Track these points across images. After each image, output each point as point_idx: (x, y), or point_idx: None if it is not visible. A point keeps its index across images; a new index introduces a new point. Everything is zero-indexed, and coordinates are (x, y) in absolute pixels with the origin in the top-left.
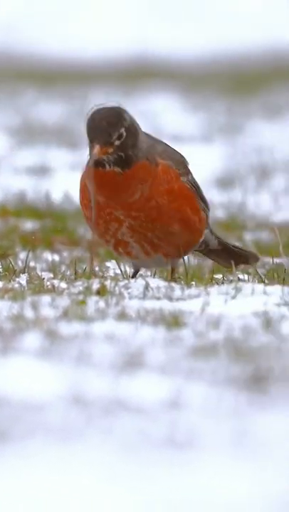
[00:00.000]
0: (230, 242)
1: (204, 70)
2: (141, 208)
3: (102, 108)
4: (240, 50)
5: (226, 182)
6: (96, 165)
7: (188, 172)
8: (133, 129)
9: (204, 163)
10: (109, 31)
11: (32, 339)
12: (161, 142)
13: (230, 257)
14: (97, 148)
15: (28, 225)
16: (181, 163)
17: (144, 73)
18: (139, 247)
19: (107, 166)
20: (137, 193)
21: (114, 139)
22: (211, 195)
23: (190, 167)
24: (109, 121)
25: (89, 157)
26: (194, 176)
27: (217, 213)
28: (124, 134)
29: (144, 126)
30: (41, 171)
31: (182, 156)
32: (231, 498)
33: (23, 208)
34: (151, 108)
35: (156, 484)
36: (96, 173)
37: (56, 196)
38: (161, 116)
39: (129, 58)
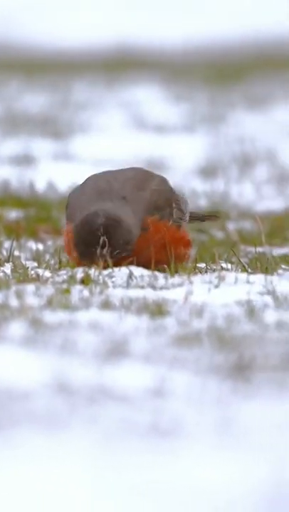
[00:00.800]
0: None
1: (186, 60)
2: (138, 261)
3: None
4: (223, 39)
5: (208, 171)
6: None
7: (172, 202)
8: (124, 229)
9: (187, 153)
10: (91, 21)
11: (16, 328)
12: (144, 186)
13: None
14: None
15: (12, 214)
16: (166, 200)
17: (126, 63)
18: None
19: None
20: (141, 259)
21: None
22: (194, 184)
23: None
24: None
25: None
26: (174, 178)
27: (200, 202)
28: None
29: (127, 117)
30: (25, 160)
31: (165, 187)
32: (215, 486)
33: (7, 197)
34: (134, 98)
35: (140, 472)
36: None
37: (40, 185)
38: (143, 106)
39: (111, 48)
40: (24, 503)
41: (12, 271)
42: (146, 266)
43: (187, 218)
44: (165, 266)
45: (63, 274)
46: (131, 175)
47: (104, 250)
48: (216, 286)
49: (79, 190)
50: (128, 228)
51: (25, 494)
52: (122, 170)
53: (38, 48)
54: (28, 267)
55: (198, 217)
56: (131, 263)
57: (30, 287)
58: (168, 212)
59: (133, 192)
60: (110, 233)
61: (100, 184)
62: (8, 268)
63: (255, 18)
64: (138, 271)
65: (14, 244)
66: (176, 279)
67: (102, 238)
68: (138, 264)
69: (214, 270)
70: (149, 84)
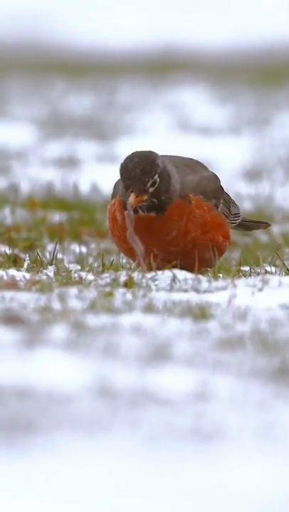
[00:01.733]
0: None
1: (232, 62)
2: (177, 244)
3: (136, 155)
4: (269, 41)
5: (253, 174)
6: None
7: (220, 196)
8: (166, 174)
9: (232, 156)
10: (137, 23)
11: (59, 331)
12: (195, 171)
13: (244, 228)
14: (132, 197)
15: (56, 216)
16: (214, 192)
17: (172, 65)
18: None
19: (141, 212)
20: (173, 232)
21: (149, 187)
22: (239, 187)
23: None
24: (143, 169)
25: (125, 201)
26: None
27: (245, 205)
28: (158, 180)
29: (172, 119)
30: (69, 162)
31: (216, 181)
32: (257, 490)
33: (51, 199)
34: (180, 100)
35: (183, 476)
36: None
37: (84, 188)
38: (189, 108)
39: (157, 50)
40: (67, 505)
41: (55, 274)
42: (186, 250)
43: (234, 220)
44: (208, 269)
45: (106, 277)
46: (187, 160)
47: (148, 184)
48: (260, 290)
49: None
50: (172, 180)
51: (68, 495)
52: (179, 156)
53: (83, 49)
54: (71, 270)
55: (246, 226)
56: (174, 266)
57: (73, 290)
58: (214, 203)
59: (185, 170)
60: (155, 171)
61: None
62: (51, 271)
63: None
64: (181, 274)
65: (57, 247)
66: (220, 283)
67: (139, 168)
68: (171, 243)
69: (258, 273)
70: (194, 86)
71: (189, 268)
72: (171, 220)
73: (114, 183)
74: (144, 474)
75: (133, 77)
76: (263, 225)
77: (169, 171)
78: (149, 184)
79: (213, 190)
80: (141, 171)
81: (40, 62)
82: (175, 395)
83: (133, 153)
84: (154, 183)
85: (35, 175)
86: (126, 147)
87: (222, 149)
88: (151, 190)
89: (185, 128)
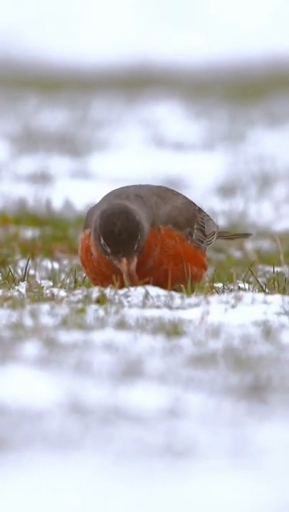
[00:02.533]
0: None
1: (206, 78)
2: (151, 273)
3: (116, 217)
4: (243, 58)
5: (227, 190)
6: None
7: (193, 223)
8: (142, 225)
9: (206, 171)
10: (112, 38)
11: (31, 347)
12: (166, 200)
13: (226, 239)
14: (124, 264)
15: (28, 232)
16: (186, 220)
17: (146, 81)
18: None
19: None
20: (150, 262)
21: (136, 248)
22: (213, 203)
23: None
24: (129, 233)
25: (116, 265)
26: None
27: (218, 221)
28: (141, 237)
29: (146, 134)
30: (42, 178)
31: (188, 209)
32: (229, 507)
33: (24, 215)
34: (153, 116)
35: (154, 493)
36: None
37: (57, 204)
38: (163, 124)
39: (131, 65)
40: None
41: (27, 290)
42: (160, 280)
43: (210, 240)
44: (182, 285)
45: (78, 294)
46: (156, 189)
47: (136, 246)
48: (233, 307)
49: (97, 203)
50: (138, 221)
51: None
52: (148, 185)
53: (57, 64)
54: (43, 286)
55: (227, 237)
56: (147, 283)
57: (45, 307)
58: (187, 231)
59: (157, 203)
60: (139, 229)
61: (117, 190)
62: (23, 287)
63: (275, 37)
64: (154, 290)
65: (30, 263)
66: (193, 299)
67: (125, 234)
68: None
69: (231, 290)
70: (168, 102)
71: (162, 285)
72: (147, 251)
73: (88, 211)
74: (116, 491)
75: (107, 93)
76: (244, 235)
77: (141, 220)
78: (136, 246)
79: (185, 218)
80: (127, 235)
81: (13, 78)
82: (147, 412)
83: (111, 215)
84: (139, 241)
85: (7, 190)
86: (99, 163)
87: (196, 165)
88: (138, 249)
89: (159, 143)
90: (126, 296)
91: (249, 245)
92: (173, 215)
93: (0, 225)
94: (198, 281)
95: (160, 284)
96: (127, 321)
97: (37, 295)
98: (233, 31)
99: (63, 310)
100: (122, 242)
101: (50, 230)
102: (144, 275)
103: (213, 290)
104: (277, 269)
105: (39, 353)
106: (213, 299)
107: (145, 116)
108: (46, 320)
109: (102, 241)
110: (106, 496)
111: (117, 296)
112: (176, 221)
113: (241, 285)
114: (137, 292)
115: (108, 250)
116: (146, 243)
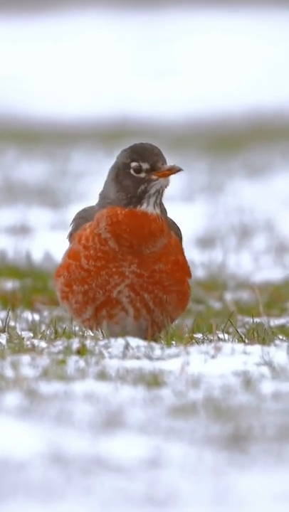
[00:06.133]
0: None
1: (186, 130)
2: (154, 261)
3: (141, 143)
4: (222, 110)
5: (206, 241)
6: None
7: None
8: None
9: (186, 223)
10: (91, 92)
11: (12, 398)
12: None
13: None
14: (167, 165)
15: (9, 284)
16: (180, 240)
17: (125, 133)
18: (133, 309)
19: (152, 209)
20: (157, 246)
21: None
22: (192, 254)
23: None
24: (159, 149)
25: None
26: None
27: (198, 273)
28: None
29: None
30: (22, 230)
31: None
32: None
33: (4, 267)
34: None
35: None
36: (138, 215)
37: (37, 256)
38: None
39: (110, 118)
40: None
41: (7, 341)
42: (148, 267)
43: None
44: (161, 336)
45: (59, 345)
46: None
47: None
48: (213, 357)
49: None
50: None
51: None
52: None
53: (37, 117)
54: (23, 338)
55: None
56: (127, 333)
57: (25, 358)
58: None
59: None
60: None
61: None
62: (3, 338)
63: (254, 90)
64: (134, 341)
65: (10, 314)
66: (173, 350)
67: (157, 148)
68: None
69: (211, 341)
70: None
71: (167, 277)
72: (161, 231)
73: (74, 218)
74: None
75: (87, 145)
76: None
77: None
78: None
79: (180, 238)
80: (159, 150)
81: None
82: (128, 462)
83: (137, 143)
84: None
85: None
86: None
87: (176, 216)
88: None
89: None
90: (106, 347)
91: (228, 296)
92: (179, 233)
93: None
94: (185, 304)
95: (153, 282)
96: (107, 371)
97: (18, 346)
98: (212, 85)
99: (44, 361)
100: (157, 153)
101: (31, 281)
102: (148, 258)
103: (193, 340)
104: (257, 319)
105: (20, 404)
106: (193, 349)
107: None
108: (27, 371)
109: (135, 163)
110: None
111: (97, 347)
112: (178, 233)
113: (221, 335)
114: (117, 343)
115: (144, 167)
116: (164, 222)
